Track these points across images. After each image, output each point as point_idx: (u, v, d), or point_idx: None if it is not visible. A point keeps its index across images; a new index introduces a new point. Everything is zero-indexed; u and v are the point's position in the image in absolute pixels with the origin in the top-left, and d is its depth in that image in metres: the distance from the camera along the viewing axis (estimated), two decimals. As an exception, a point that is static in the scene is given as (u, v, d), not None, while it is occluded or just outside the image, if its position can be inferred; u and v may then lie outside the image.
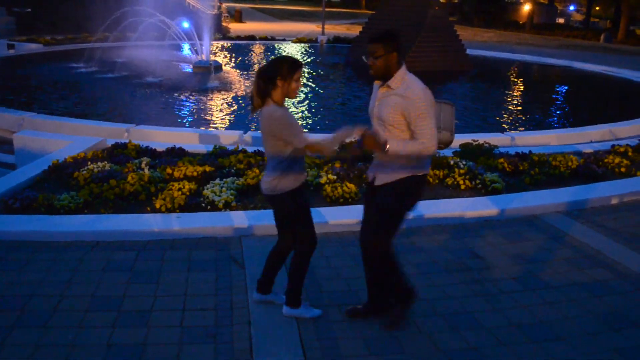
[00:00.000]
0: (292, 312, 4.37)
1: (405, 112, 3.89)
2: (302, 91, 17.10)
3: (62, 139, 8.71)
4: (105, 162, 7.50)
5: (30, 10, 28.66)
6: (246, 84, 17.54)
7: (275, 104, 4.02)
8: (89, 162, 7.40)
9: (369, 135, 3.90)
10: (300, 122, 13.03)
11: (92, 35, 24.85)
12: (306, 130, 12.02)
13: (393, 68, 3.98)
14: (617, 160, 8.45)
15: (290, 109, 14.36)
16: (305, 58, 26.06)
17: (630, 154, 9.23)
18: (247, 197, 6.71)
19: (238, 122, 12.62)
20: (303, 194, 4.24)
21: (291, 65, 4.02)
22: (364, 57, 4.06)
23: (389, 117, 3.96)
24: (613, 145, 9.57)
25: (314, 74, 20.95)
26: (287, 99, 4.11)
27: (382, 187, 4.12)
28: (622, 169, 8.26)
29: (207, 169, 7.31)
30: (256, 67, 22.18)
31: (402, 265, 4.40)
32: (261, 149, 8.26)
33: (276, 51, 28.18)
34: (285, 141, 3.98)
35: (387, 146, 3.86)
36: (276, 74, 4.00)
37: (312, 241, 4.28)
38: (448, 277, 5.16)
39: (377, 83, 4.16)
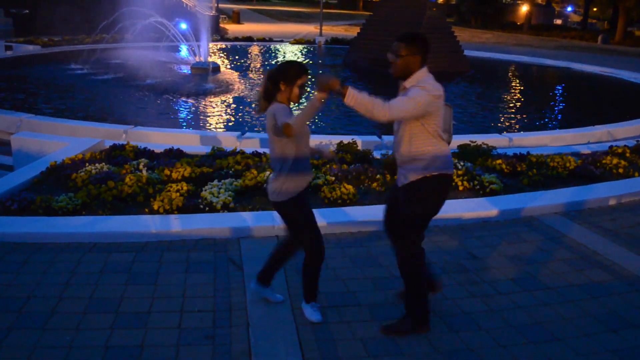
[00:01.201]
0: (260, 290, 4.56)
1: None
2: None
3: (60, 140, 8.71)
4: (103, 163, 7.49)
5: (28, 11, 28.67)
6: (244, 85, 17.54)
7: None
8: (87, 164, 7.39)
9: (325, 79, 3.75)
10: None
11: (90, 36, 24.83)
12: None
13: (413, 69, 3.96)
14: (615, 161, 8.47)
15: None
16: (303, 59, 26.07)
17: (628, 155, 9.25)
18: (245, 199, 6.71)
19: (236, 124, 12.63)
20: (305, 199, 4.24)
21: (297, 70, 4.05)
22: (388, 55, 4.03)
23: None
24: (611, 146, 9.59)
25: (312, 75, 20.92)
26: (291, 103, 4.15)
27: (402, 188, 4.17)
28: (620, 170, 8.27)
29: (205, 170, 7.31)
30: (254, 68, 22.19)
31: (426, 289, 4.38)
32: (259, 150, 8.28)
33: (274, 52, 28.17)
34: (278, 127, 3.91)
35: (346, 88, 3.71)
36: (280, 77, 4.04)
37: (320, 248, 4.25)
38: (446, 278, 5.16)
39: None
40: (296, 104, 4.25)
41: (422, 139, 4.01)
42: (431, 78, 3.97)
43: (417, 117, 3.91)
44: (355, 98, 3.73)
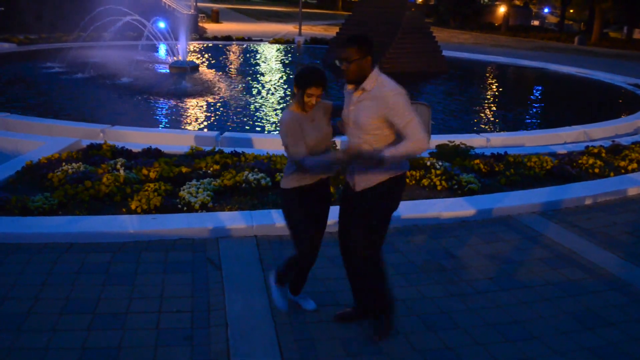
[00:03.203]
0: (273, 288, 4.46)
1: (384, 113, 3.80)
2: (278, 92, 17.09)
3: (36, 139, 8.60)
4: (80, 163, 7.40)
5: (3, 9, 28.27)
6: (223, 85, 17.47)
7: (290, 109, 4.06)
8: (64, 163, 7.31)
9: (358, 152, 3.81)
10: (273, 124, 12.98)
11: (66, 34, 24.56)
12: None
13: (367, 71, 3.92)
14: (590, 161, 8.56)
15: (265, 111, 14.32)
16: (282, 59, 26.04)
17: (603, 155, 9.37)
18: (223, 198, 6.68)
19: (214, 123, 12.57)
20: (307, 197, 4.14)
21: (308, 78, 3.97)
22: (336, 62, 4.00)
23: (366, 123, 3.87)
24: (587, 147, 9.70)
25: (291, 75, 20.93)
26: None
27: (364, 193, 4.01)
28: (596, 170, 8.37)
29: (184, 169, 7.26)
30: (233, 67, 22.12)
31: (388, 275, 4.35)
32: (238, 150, 8.25)
33: (253, 52, 28.08)
34: (284, 146, 4.02)
35: (384, 157, 3.76)
36: (294, 81, 4.02)
37: (303, 252, 4.19)
38: (424, 277, 5.19)
39: (350, 88, 4.05)
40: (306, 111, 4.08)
41: (387, 139, 3.95)
42: (386, 77, 3.95)
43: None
44: (393, 158, 3.80)
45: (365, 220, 4.05)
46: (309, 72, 3.99)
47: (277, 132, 12.05)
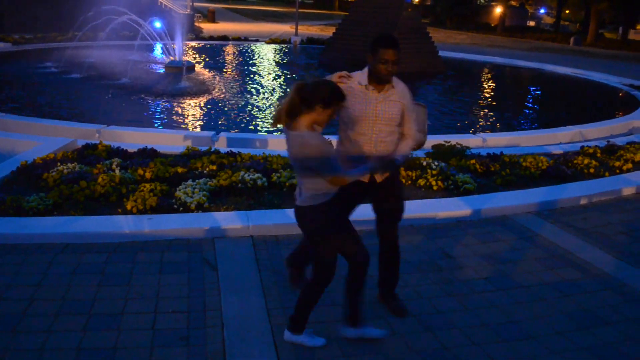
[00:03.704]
0: (293, 338, 4.09)
1: (405, 107, 4.29)
2: (274, 92, 17.07)
3: (31, 139, 8.58)
4: (75, 163, 7.38)
5: (-2, 8, 28.21)
6: (219, 85, 17.45)
7: (305, 129, 3.65)
8: (59, 163, 7.28)
9: (390, 160, 4.22)
10: (270, 124, 12.95)
11: (62, 34, 24.51)
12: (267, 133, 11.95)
13: None
14: (586, 161, 8.58)
15: (261, 111, 14.30)
16: (278, 59, 26.04)
17: (598, 155, 9.38)
18: (219, 199, 6.67)
19: (210, 123, 12.55)
20: (334, 209, 3.88)
21: (340, 96, 3.69)
22: (390, 66, 4.11)
23: (397, 117, 4.26)
24: (582, 147, 9.71)
25: (288, 74, 20.93)
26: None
27: (387, 183, 4.38)
28: (591, 170, 8.38)
29: (180, 170, 7.24)
30: (229, 67, 22.09)
31: None
32: (234, 150, 8.23)
33: (249, 52, 28.06)
34: (316, 172, 3.64)
35: (401, 160, 4.36)
36: (318, 99, 3.62)
37: (361, 254, 4.01)
38: (420, 277, 5.19)
39: (362, 86, 4.24)
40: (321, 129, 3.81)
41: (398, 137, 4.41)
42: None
43: None
44: (404, 156, 4.41)
45: (400, 207, 4.57)
46: (338, 89, 3.70)
47: (276, 132, 12.06)
